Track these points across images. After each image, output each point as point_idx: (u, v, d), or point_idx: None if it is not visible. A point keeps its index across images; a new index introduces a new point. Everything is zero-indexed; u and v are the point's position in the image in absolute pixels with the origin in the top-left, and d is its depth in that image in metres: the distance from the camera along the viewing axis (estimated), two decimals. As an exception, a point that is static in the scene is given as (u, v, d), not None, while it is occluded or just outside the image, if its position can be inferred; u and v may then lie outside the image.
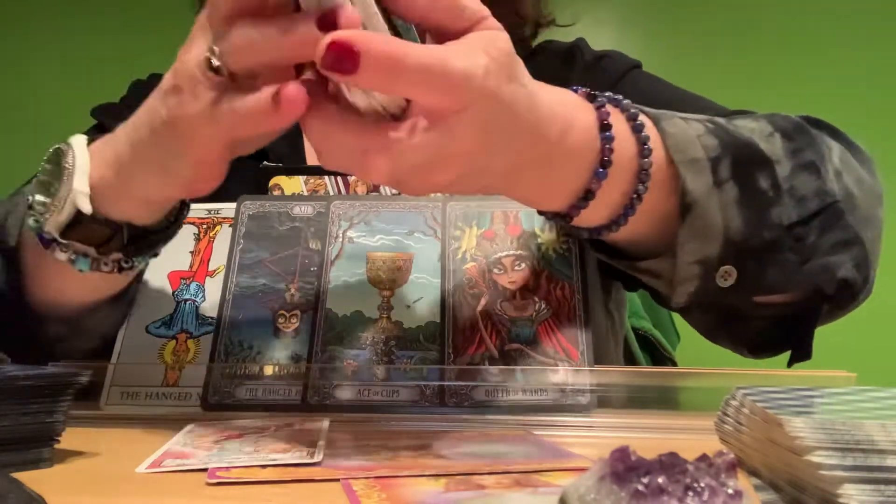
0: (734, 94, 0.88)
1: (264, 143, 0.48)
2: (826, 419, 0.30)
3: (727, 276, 0.48)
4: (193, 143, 0.42)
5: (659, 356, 0.97)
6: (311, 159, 0.75)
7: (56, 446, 0.40)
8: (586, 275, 0.55)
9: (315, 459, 0.39)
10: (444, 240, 0.57)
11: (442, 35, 0.38)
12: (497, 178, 0.42)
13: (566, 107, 0.43)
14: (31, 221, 0.48)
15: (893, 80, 1.84)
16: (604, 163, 0.44)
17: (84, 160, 0.47)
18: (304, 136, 0.76)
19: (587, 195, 0.44)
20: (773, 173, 0.48)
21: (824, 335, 0.65)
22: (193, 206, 0.62)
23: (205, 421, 0.50)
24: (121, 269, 0.50)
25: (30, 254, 0.53)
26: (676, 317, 1.03)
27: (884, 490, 0.28)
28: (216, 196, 0.63)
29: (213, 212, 0.62)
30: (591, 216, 0.46)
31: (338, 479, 0.35)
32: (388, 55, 0.34)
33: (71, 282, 0.52)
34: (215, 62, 0.40)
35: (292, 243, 0.58)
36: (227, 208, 0.61)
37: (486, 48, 0.37)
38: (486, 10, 0.39)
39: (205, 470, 0.37)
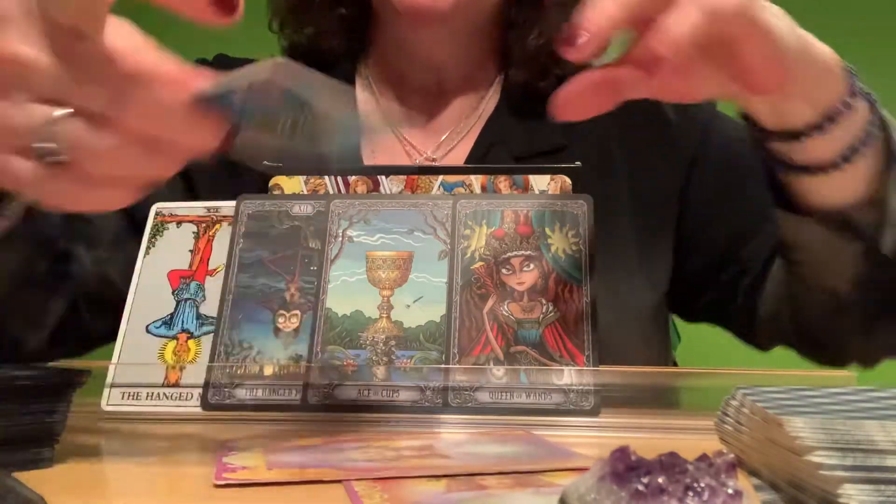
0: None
1: None
2: (826, 419, 0.30)
3: None
4: None
5: (659, 355, 0.97)
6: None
7: (56, 446, 0.40)
8: (594, 277, 0.55)
9: (315, 458, 0.39)
10: (454, 238, 0.57)
11: None
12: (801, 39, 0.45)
13: None
14: None
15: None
16: (852, 91, 0.47)
17: None
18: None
19: (832, 116, 0.47)
20: None
21: (824, 334, 0.65)
22: (192, 204, 0.62)
23: (207, 421, 0.50)
24: None
25: None
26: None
27: (884, 490, 0.28)
28: (215, 194, 0.63)
29: (212, 210, 0.61)
30: (821, 147, 0.48)
31: (340, 480, 0.35)
32: None
33: None
34: None
35: (292, 242, 0.58)
36: (227, 207, 0.61)
37: None
38: None
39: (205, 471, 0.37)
